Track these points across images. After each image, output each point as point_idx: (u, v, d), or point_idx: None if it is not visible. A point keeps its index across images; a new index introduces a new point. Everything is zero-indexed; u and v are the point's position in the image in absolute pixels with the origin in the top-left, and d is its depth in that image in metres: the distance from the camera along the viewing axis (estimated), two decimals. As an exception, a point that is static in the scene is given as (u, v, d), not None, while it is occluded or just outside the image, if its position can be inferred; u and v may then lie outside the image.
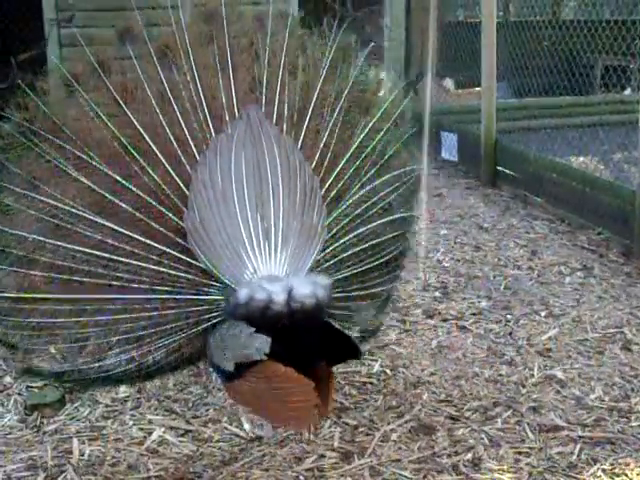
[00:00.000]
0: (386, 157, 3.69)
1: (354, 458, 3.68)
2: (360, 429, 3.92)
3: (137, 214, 3.20)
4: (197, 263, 3.15)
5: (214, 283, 3.15)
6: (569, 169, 7.64)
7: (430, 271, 6.02)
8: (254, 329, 2.90)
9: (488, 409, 4.07)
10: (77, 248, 3.21)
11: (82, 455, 3.76)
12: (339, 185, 3.44)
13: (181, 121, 3.32)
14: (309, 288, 2.94)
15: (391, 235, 3.67)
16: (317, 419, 3.17)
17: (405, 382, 4.35)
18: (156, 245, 3.18)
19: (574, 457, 3.66)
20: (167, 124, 3.30)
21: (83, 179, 3.24)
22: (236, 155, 3.28)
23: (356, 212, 3.46)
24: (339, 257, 3.38)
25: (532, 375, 4.41)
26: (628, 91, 10.41)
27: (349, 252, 3.42)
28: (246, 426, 3.92)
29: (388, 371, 4.46)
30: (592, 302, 5.37)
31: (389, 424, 3.95)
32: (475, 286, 5.71)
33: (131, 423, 4.01)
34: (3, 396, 4.32)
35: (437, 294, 5.58)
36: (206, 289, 3.17)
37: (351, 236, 3.43)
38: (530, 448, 3.74)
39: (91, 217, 3.21)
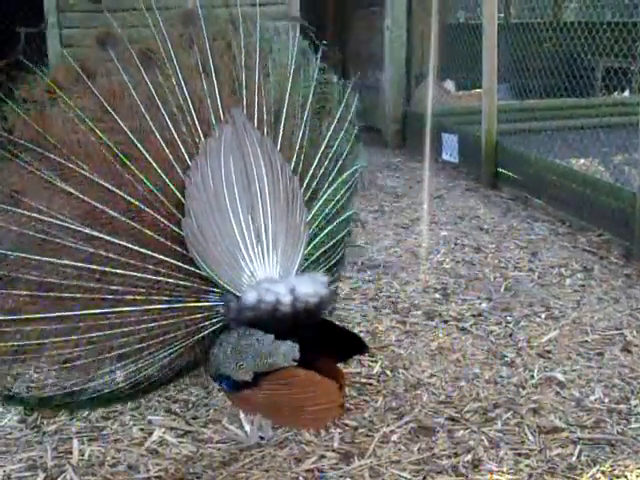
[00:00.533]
0: (344, 156, 3.75)
1: (354, 459, 3.68)
2: (360, 430, 3.92)
3: (130, 223, 3.16)
4: (195, 270, 3.16)
5: (213, 289, 3.17)
6: (570, 171, 7.64)
7: (430, 272, 6.03)
8: (273, 336, 2.97)
9: (488, 410, 4.07)
10: (67, 263, 3.12)
11: (82, 455, 3.76)
12: (313, 185, 3.52)
13: (170, 125, 3.29)
14: (311, 287, 3.03)
15: (344, 233, 3.75)
16: (339, 416, 3.40)
17: (405, 383, 4.35)
18: (152, 254, 3.15)
19: (574, 459, 3.66)
20: (157, 129, 3.26)
21: (70, 189, 3.16)
22: (225, 159, 3.29)
23: (326, 211, 3.54)
24: (315, 255, 3.46)
25: (532, 377, 4.41)
26: (627, 93, 10.41)
27: (322, 250, 3.51)
28: (247, 427, 3.91)
29: (388, 372, 4.46)
30: (592, 304, 5.37)
31: (389, 425, 3.95)
32: (475, 288, 5.71)
33: (131, 424, 4.01)
34: (3, 396, 4.32)
35: (437, 295, 5.58)
36: (205, 296, 3.18)
37: (323, 235, 3.52)
38: (530, 450, 3.73)
39: (81, 229, 3.14)
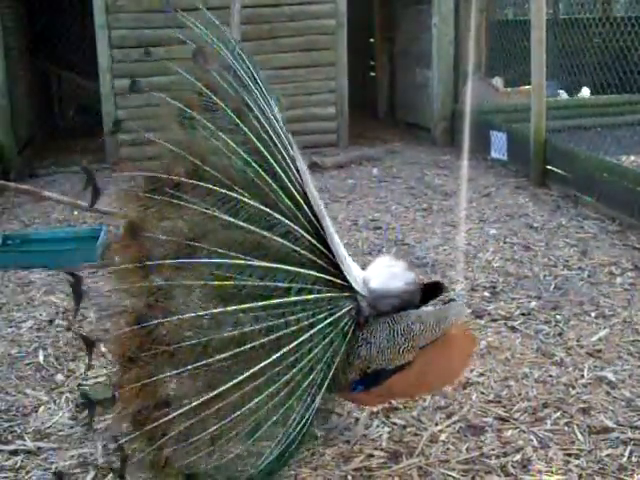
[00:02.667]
0: None
1: (402, 458, 3.68)
2: (408, 429, 3.92)
3: (293, 246, 3.20)
4: (339, 281, 3.29)
5: (349, 294, 3.32)
6: (620, 168, 7.56)
7: (479, 271, 6.00)
8: (431, 307, 3.50)
9: (537, 410, 4.05)
10: (248, 306, 3.11)
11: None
12: None
13: (279, 145, 3.27)
14: (410, 275, 3.48)
15: None
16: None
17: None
18: (313, 273, 3.23)
19: (624, 459, 3.63)
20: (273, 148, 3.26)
21: (238, 221, 3.12)
22: (312, 187, 3.33)
23: None
24: None
25: (582, 376, 4.37)
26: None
27: None
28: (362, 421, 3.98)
29: (436, 371, 4.45)
30: (643, 303, 5.32)
31: (437, 424, 3.95)
32: (525, 286, 5.68)
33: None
34: (55, 394, 4.38)
35: (486, 294, 5.55)
36: (342, 303, 3.30)
37: None
38: (580, 450, 3.71)
39: (257, 263, 3.12)
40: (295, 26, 10.79)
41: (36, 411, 4.21)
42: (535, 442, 3.78)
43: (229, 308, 3.09)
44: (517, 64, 10.19)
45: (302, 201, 3.23)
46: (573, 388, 4.25)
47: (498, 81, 11.34)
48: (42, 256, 6.54)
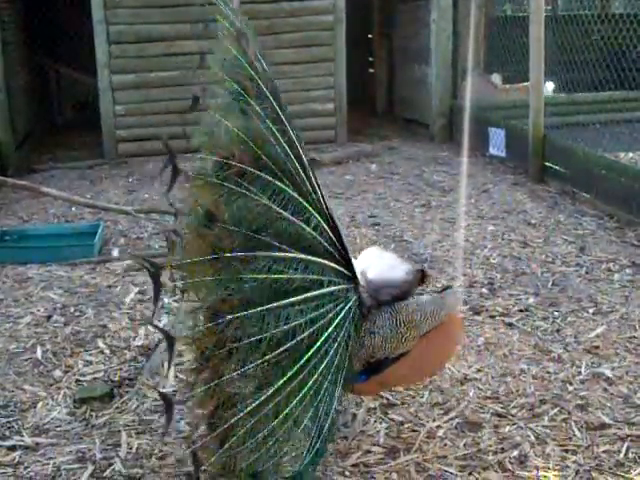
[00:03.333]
0: None
1: (400, 454, 3.69)
2: (406, 425, 3.93)
3: (320, 239, 3.20)
4: (347, 272, 3.32)
5: (354, 285, 3.34)
6: (618, 164, 7.57)
7: (477, 267, 6.01)
8: (429, 296, 3.64)
9: (535, 406, 4.06)
10: (296, 299, 3.11)
11: (130, 448, 3.81)
12: None
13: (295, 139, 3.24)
14: (408, 265, 3.61)
15: None
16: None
17: (451, 378, 4.35)
18: (333, 265, 3.25)
19: (621, 455, 3.63)
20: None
21: (287, 214, 3.10)
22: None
23: None
24: None
25: (579, 373, 4.38)
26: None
27: None
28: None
29: (434, 367, 4.45)
30: (641, 299, 5.33)
31: (435, 420, 3.96)
32: (522, 282, 5.69)
33: (178, 417, 4.04)
34: (53, 389, 4.38)
35: (484, 290, 5.56)
36: (350, 294, 3.31)
37: None
38: (577, 446, 3.72)
39: (301, 256, 3.13)
40: (294, 22, 10.79)
41: (34, 407, 4.21)
42: (532, 438, 3.79)
43: (285, 301, 3.08)
44: (516, 61, 10.19)
45: (319, 193, 3.23)
46: (570, 384, 4.26)
47: (497, 77, 11.34)
48: (40, 252, 6.54)
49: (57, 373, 4.56)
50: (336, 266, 3.24)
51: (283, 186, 3.09)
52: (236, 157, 3.02)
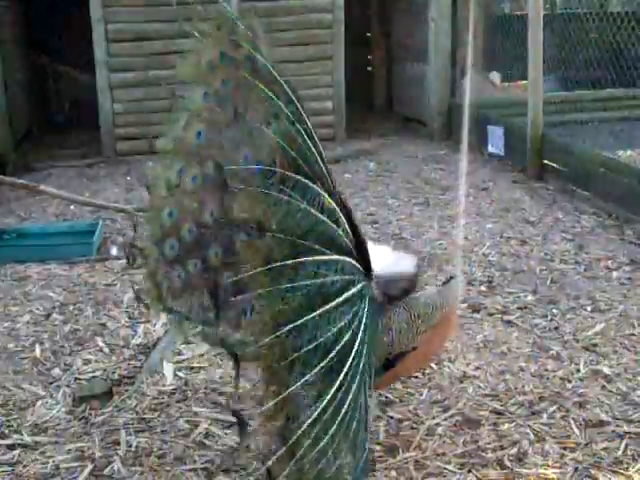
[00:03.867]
0: None
1: (399, 452, 3.69)
2: (405, 423, 3.93)
3: (345, 239, 3.17)
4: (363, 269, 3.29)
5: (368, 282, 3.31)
6: (616, 162, 7.56)
7: (476, 265, 6.01)
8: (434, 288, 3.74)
9: (533, 404, 4.06)
10: (338, 301, 3.08)
11: (129, 447, 3.81)
12: None
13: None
14: (414, 258, 3.77)
15: None
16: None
17: (450, 376, 4.35)
18: (356, 263, 3.23)
19: (620, 453, 3.64)
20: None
21: (323, 217, 3.07)
22: None
23: None
24: None
25: (578, 370, 4.39)
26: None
27: None
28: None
29: (433, 365, 4.46)
30: (639, 297, 5.32)
31: (434, 418, 3.96)
32: (521, 280, 5.69)
33: (177, 415, 4.05)
34: (52, 388, 4.39)
35: (483, 288, 5.56)
36: (366, 291, 3.28)
37: None
38: (575, 443, 3.72)
39: (337, 257, 3.10)
40: (293, 20, 10.78)
41: (33, 405, 4.22)
42: (531, 436, 3.79)
43: (332, 304, 3.05)
44: (514, 59, 10.18)
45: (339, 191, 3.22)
46: (569, 382, 4.27)
47: (495, 75, 11.33)
48: (38, 250, 6.54)
49: (56, 371, 4.57)
50: (357, 264, 3.22)
51: (317, 188, 3.06)
52: (278, 163, 2.98)
